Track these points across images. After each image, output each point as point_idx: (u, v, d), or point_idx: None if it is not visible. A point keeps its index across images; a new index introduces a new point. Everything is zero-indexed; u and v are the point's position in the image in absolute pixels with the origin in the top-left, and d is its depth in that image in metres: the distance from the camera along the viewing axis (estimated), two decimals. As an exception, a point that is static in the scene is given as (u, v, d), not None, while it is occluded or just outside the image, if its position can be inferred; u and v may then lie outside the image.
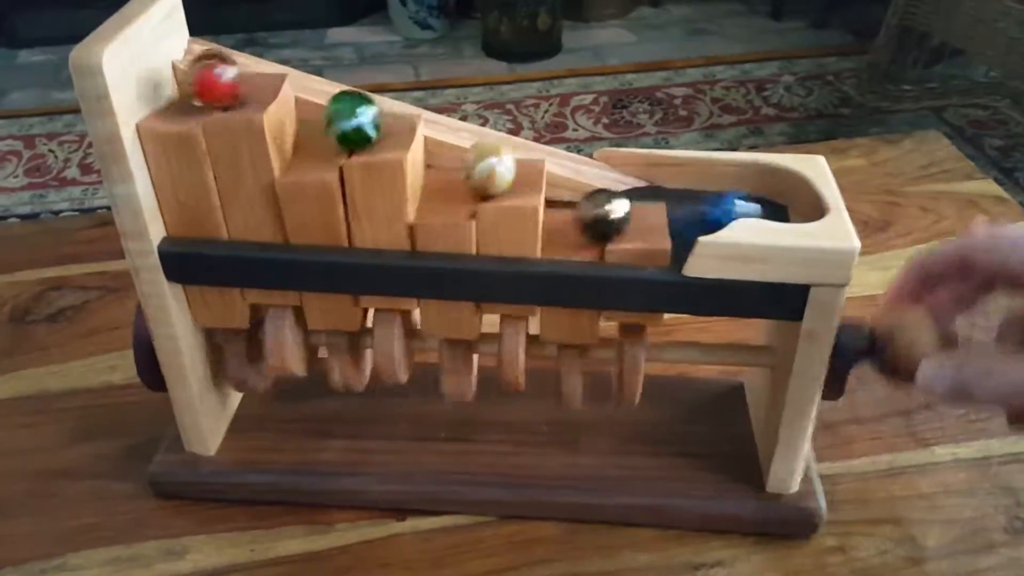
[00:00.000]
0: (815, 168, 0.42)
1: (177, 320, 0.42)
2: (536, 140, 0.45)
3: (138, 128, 0.37)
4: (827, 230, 0.38)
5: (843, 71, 2.32)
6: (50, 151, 2.08)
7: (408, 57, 2.47)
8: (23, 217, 1.85)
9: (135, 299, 0.42)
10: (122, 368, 0.57)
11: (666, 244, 0.39)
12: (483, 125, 2.00)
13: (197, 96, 0.37)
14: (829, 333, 0.40)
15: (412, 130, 0.40)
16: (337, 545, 0.46)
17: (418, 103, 0.41)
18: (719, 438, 0.49)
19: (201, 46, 0.41)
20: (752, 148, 1.97)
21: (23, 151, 2.08)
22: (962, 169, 0.76)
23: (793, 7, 2.61)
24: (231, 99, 0.38)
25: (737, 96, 2.24)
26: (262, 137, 0.37)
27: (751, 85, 2.29)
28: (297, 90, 0.41)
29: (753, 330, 0.50)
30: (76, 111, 2.17)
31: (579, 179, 0.43)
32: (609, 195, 0.39)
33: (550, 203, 0.41)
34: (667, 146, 2.00)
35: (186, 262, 0.41)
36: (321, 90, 0.42)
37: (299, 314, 0.44)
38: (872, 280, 0.63)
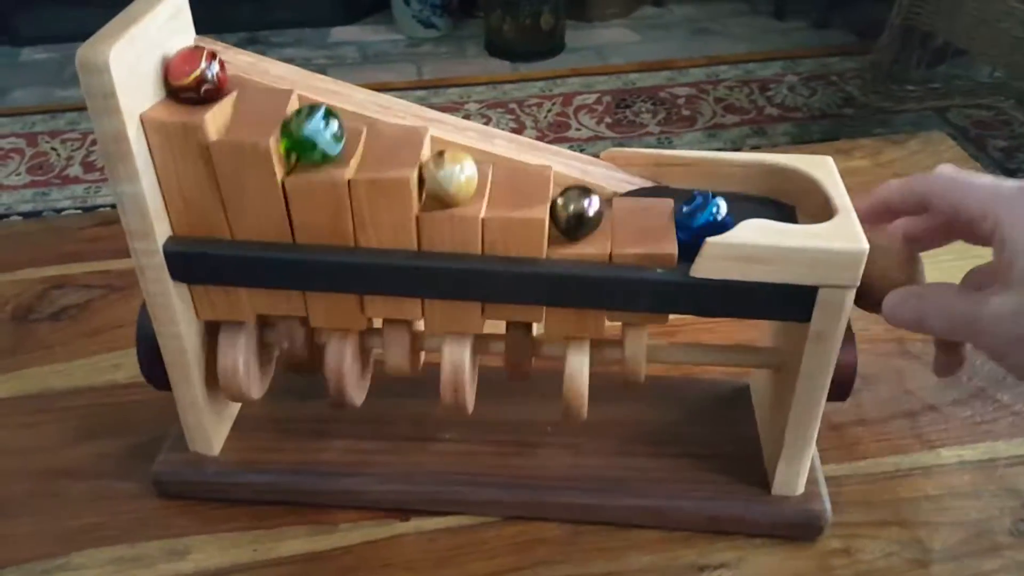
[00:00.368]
0: (823, 169, 0.42)
1: (182, 319, 0.42)
2: (539, 140, 0.45)
3: (142, 119, 0.37)
4: (836, 231, 0.38)
5: (846, 71, 2.32)
6: (52, 149, 2.07)
7: (411, 56, 2.46)
8: (25, 215, 1.85)
9: (138, 298, 0.42)
10: (125, 367, 0.57)
11: (672, 248, 0.39)
12: (486, 124, 2.00)
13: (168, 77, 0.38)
14: (837, 334, 0.39)
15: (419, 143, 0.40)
16: (340, 545, 0.46)
17: (421, 102, 0.41)
18: (724, 439, 0.49)
19: (207, 43, 0.41)
20: (755, 148, 1.97)
21: (26, 149, 2.08)
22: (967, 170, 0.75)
23: (796, 7, 2.61)
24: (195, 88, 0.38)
25: (740, 96, 2.24)
26: (268, 159, 0.37)
27: (754, 85, 2.28)
28: (302, 89, 0.41)
29: (758, 331, 0.50)
30: (79, 109, 2.18)
31: (586, 179, 0.43)
32: (582, 192, 0.39)
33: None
34: (670, 146, 2.00)
35: (191, 262, 0.41)
36: (326, 89, 0.42)
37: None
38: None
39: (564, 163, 0.43)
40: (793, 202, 0.43)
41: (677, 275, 0.39)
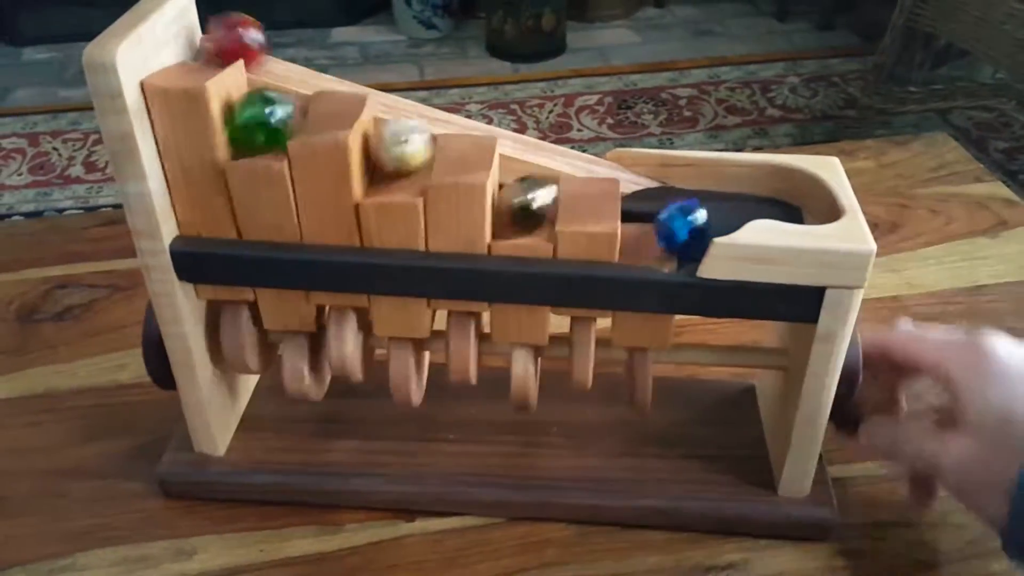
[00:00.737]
0: (830, 170, 0.42)
1: (188, 319, 0.42)
2: (541, 140, 0.45)
3: (142, 84, 0.36)
4: (843, 232, 0.38)
5: (848, 72, 2.32)
6: (54, 149, 2.07)
7: (412, 57, 2.46)
8: (27, 215, 1.85)
9: (143, 298, 0.42)
10: (130, 367, 0.56)
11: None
12: (488, 125, 1.99)
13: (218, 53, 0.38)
14: (844, 335, 0.39)
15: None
16: (346, 546, 0.46)
17: (422, 103, 0.41)
18: (730, 440, 0.49)
19: (212, 44, 0.41)
20: (757, 149, 1.97)
21: (27, 149, 2.08)
22: (971, 171, 0.75)
23: (798, 8, 2.61)
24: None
25: (742, 97, 2.24)
26: (282, 180, 0.38)
27: (756, 86, 2.28)
28: (307, 89, 0.41)
29: (764, 332, 0.50)
30: (81, 109, 2.18)
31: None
32: (536, 182, 0.39)
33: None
34: (671, 147, 2.00)
35: (198, 261, 0.41)
36: (330, 88, 0.42)
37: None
38: (881, 283, 0.63)
39: (569, 163, 0.43)
40: (799, 203, 0.43)
41: (684, 275, 0.39)
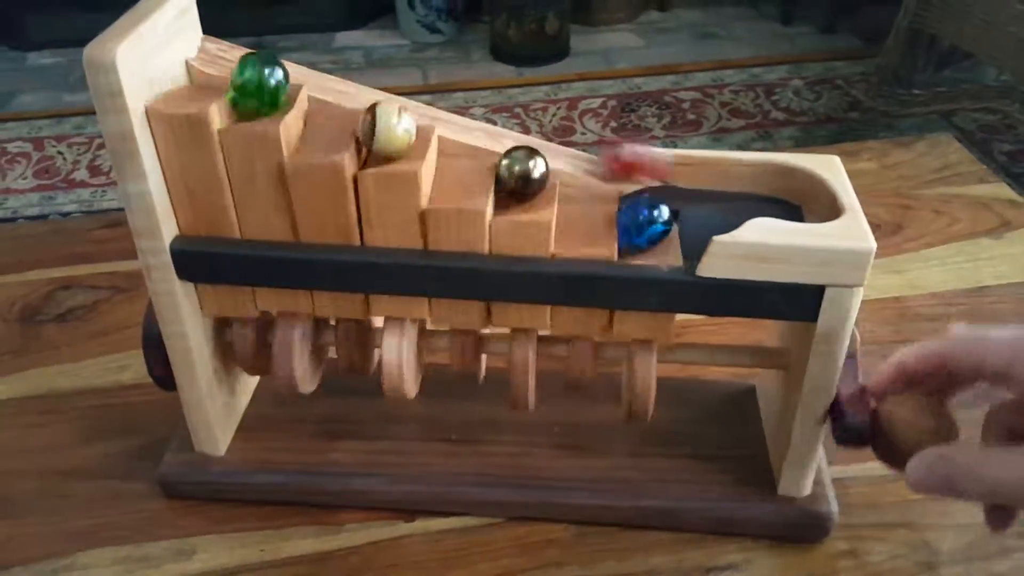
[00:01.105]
0: (831, 169, 0.42)
1: (188, 319, 0.42)
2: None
3: (147, 111, 0.37)
4: (843, 230, 0.38)
5: (852, 75, 2.31)
6: (59, 153, 2.08)
7: (416, 60, 2.47)
8: (31, 219, 1.85)
9: (145, 299, 0.42)
10: (132, 368, 0.57)
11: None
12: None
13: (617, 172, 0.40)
14: (844, 334, 0.39)
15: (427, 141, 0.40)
16: (347, 546, 0.46)
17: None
18: (731, 440, 0.49)
19: (214, 44, 0.41)
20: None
21: (32, 153, 2.08)
22: (975, 173, 0.75)
23: (802, 11, 2.61)
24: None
25: (746, 100, 2.23)
26: (278, 146, 0.37)
27: (760, 89, 2.28)
28: (311, 89, 0.41)
29: (765, 332, 0.50)
30: (85, 113, 2.18)
31: (594, 179, 0.43)
32: (529, 152, 0.39)
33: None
34: (675, 150, 2.00)
35: (198, 261, 0.41)
36: (334, 88, 0.42)
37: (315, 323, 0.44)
38: (884, 283, 0.63)
39: (572, 163, 0.43)
40: (800, 202, 0.43)
41: (684, 274, 0.39)
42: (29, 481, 0.50)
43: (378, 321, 0.45)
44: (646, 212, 0.39)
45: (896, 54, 1.82)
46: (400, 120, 0.37)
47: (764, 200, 0.43)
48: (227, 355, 0.47)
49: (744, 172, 0.43)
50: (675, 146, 1.79)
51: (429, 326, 0.44)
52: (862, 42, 2.47)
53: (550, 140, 2.05)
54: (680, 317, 0.41)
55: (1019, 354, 0.35)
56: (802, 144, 2.07)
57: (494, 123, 2.14)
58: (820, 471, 0.46)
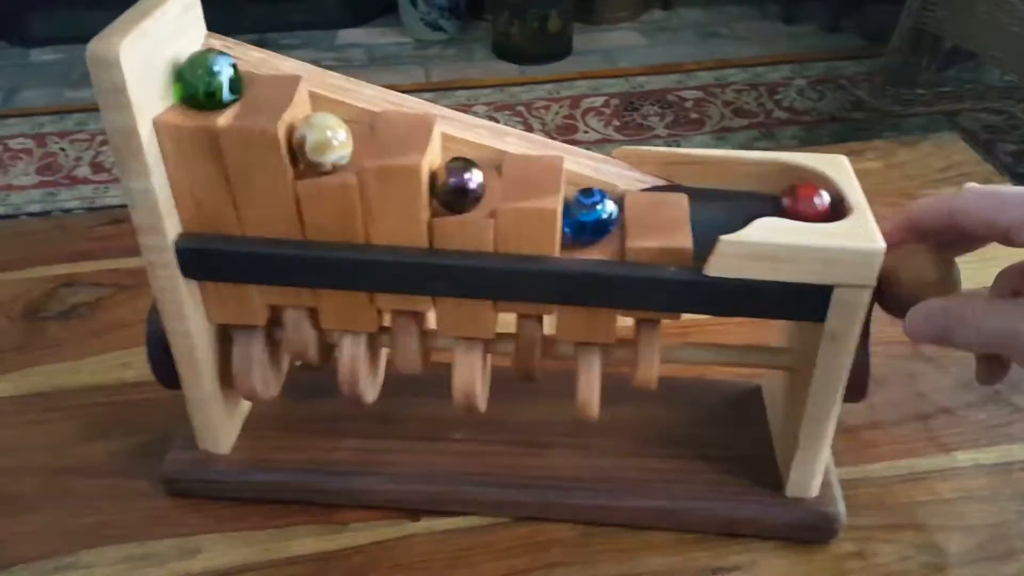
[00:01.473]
0: (838, 168, 0.42)
1: (192, 317, 0.42)
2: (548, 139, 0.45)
3: (155, 123, 0.37)
4: (851, 230, 0.38)
5: (856, 75, 2.31)
6: (61, 150, 2.08)
7: (419, 58, 2.47)
8: (34, 215, 1.85)
9: (148, 296, 0.42)
10: (135, 365, 0.56)
11: (688, 243, 0.39)
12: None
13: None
14: (853, 334, 0.39)
15: (428, 131, 0.39)
16: (351, 545, 0.46)
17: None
18: (737, 441, 0.49)
19: (218, 40, 0.41)
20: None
21: (34, 149, 2.08)
22: (980, 172, 0.75)
23: (805, 11, 2.60)
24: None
25: (749, 99, 2.23)
26: (276, 146, 0.37)
27: (763, 88, 2.28)
28: (313, 86, 0.40)
29: (771, 331, 0.50)
30: (87, 110, 2.18)
31: (598, 177, 0.42)
32: (466, 163, 0.39)
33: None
34: (678, 149, 2.00)
35: (202, 258, 0.40)
36: (336, 85, 0.41)
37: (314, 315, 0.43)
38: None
39: (576, 161, 0.43)
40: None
41: (690, 274, 0.39)
42: (31, 479, 0.49)
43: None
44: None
45: (900, 54, 1.82)
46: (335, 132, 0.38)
47: (771, 199, 0.42)
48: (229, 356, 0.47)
49: (750, 171, 0.43)
50: (678, 145, 1.79)
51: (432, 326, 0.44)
52: (866, 42, 2.46)
53: (552, 138, 2.05)
54: (685, 316, 0.41)
55: None
56: (805, 143, 2.07)
57: (496, 121, 2.14)
58: (827, 472, 0.46)
